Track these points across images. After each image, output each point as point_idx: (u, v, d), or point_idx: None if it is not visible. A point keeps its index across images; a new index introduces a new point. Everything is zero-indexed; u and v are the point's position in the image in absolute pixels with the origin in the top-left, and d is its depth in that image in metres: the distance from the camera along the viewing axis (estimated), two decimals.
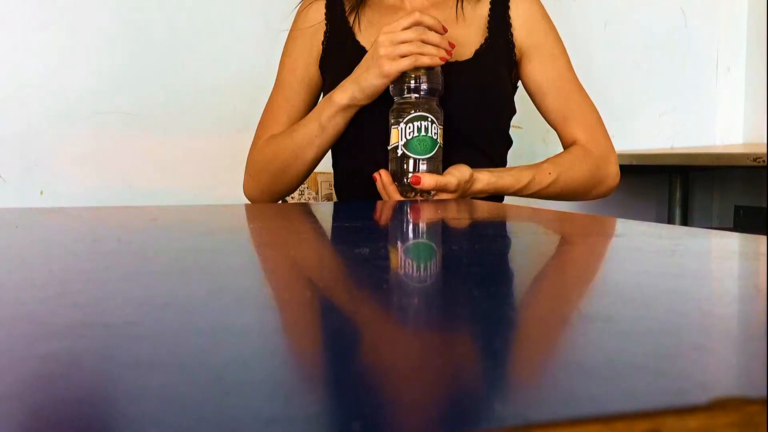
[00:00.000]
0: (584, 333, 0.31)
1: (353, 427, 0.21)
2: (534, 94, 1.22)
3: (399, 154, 1.05)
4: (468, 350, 0.30)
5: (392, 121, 1.07)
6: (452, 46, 1.06)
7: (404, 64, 1.03)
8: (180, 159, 1.78)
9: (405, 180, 1.05)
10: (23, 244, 0.61)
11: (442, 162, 1.07)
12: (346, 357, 0.29)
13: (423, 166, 1.05)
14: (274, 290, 0.43)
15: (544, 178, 1.13)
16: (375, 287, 0.43)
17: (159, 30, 1.76)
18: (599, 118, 1.22)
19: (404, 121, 1.04)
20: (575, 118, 1.20)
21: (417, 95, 1.05)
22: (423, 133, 1.04)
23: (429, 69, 1.05)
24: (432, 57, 1.03)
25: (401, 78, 1.05)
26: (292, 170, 1.17)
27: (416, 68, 1.04)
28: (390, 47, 1.03)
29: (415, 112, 1.04)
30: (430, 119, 1.04)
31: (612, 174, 1.20)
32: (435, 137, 1.05)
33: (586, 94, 1.22)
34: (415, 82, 1.05)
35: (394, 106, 1.07)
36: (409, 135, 1.04)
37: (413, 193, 1.05)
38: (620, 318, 0.34)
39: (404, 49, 1.03)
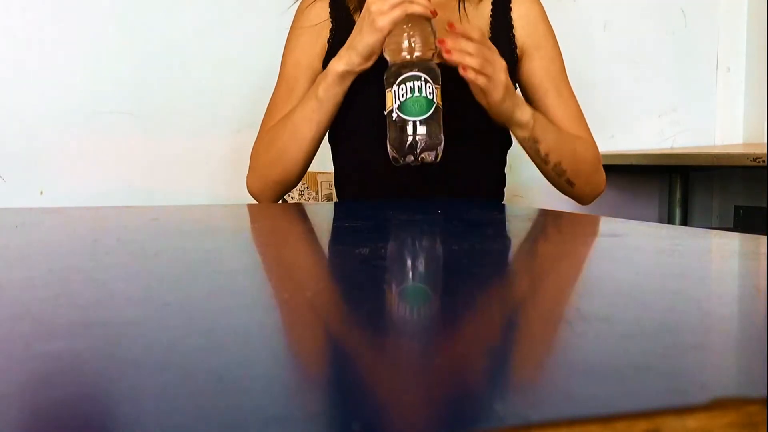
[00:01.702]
0: (584, 333, 0.31)
1: (353, 427, 0.21)
2: (531, 95, 1.21)
3: (394, 118, 1.00)
4: (468, 350, 0.30)
5: (386, 85, 1.02)
6: (450, 25, 1.04)
7: (395, 14, 1.01)
8: (180, 159, 1.78)
9: (404, 147, 1.00)
10: (23, 244, 0.61)
11: (442, 127, 1.01)
12: (345, 357, 0.29)
13: (421, 129, 0.99)
14: (274, 290, 0.43)
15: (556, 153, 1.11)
16: (375, 288, 0.43)
17: (159, 30, 1.76)
18: (588, 126, 1.22)
19: (396, 82, 1.00)
20: (572, 126, 1.19)
21: (409, 56, 1.01)
22: (417, 93, 0.99)
23: (421, 28, 1.01)
24: (423, 6, 1.01)
25: (392, 40, 1.02)
26: (291, 152, 1.15)
27: (408, 29, 1.01)
28: (380, 3, 1.02)
29: (408, 72, 1.00)
30: (423, 78, 0.99)
31: (602, 181, 1.21)
32: (431, 97, 0.99)
33: (577, 101, 1.23)
34: (408, 44, 1.01)
35: (388, 70, 1.02)
36: (402, 97, 0.99)
37: (413, 159, 1.00)
38: (620, 318, 0.34)
39: (394, 1, 1.01)
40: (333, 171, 1.27)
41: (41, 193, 1.68)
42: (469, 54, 0.99)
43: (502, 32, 1.19)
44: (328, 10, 1.21)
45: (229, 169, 1.77)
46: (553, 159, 1.11)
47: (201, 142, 1.79)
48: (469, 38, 0.99)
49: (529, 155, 1.12)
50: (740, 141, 2.30)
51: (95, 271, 0.48)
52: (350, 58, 1.06)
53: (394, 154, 1.01)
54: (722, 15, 2.28)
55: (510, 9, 1.20)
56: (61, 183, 1.69)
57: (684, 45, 2.25)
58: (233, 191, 1.77)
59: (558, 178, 1.14)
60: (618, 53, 2.16)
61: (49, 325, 0.33)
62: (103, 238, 0.67)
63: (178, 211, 0.95)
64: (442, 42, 0.99)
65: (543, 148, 1.09)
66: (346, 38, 1.15)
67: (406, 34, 1.02)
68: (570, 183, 1.14)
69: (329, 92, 1.09)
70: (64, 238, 0.68)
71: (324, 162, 1.21)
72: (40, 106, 1.67)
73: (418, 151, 0.99)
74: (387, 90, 1.02)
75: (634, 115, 2.19)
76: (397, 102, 1.00)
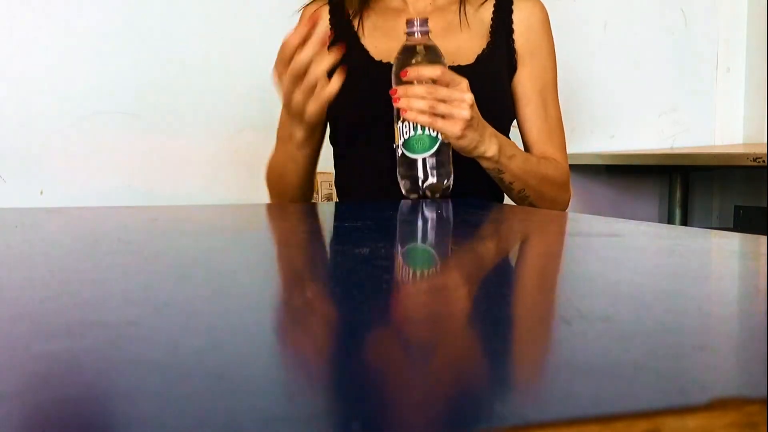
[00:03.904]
0: (584, 333, 0.31)
1: (353, 427, 0.21)
2: (517, 100, 1.20)
3: (399, 154, 0.99)
4: (467, 350, 0.30)
5: (394, 119, 1.00)
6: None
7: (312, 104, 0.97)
8: (180, 159, 1.78)
9: (410, 184, 0.99)
10: (23, 244, 0.61)
11: (450, 160, 0.99)
12: (345, 357, 0.29)
13: (426, 166, 0.97)
14: (274, 290, 0.43)
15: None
16: (374, 288, 0.43)
17: (159, 30, 1.76)
18: (564, 143, 1.22)
19: (401, 119, 0.97)
20: (551, 138, 1.19)
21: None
22: (419, 131, 0.97)
23: (433, 55, 0.98)
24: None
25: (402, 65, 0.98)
26: (290, 185, 1.15)
27: (416, 55, 0.97)
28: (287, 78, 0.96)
29: None
30: None
31: (566, 199, 1.20)
32: (434, 133, 0.97)
33: (560, 114, 1.22)
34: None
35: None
36: (406, 134, 0.98)
37: (419, 194, 0.99)
38: (620, 318, 0.34)
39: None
40: (333, 171, 1.27)
41: (41, 193, 1.68)
42: (419, 97, 0.95)
43: (502, 37, 1.18)
44: (328, 17, 1.20)
45: (229, 169, 1.77)
46: (517, 187, 1.09)
47: (201, 142, 1.79)
48: (421, 80, 0.96)
49: (493, 179, 1.09)
50: (740, 141, 2.30)
51: (95, 271, 0.48)
52: (296, 134, 1.04)
53: (402, 188, 1.01)
54: (722, 15, 2.28)
55: (512, 12, 1.19)
56: (61, 183, 1.69)
57: (684, 45, 2.25)
58: (233, 191, 1.77)
59: (521, 201, 1.13)
60: (618, 53, 2.16)
61: (49, 325, 0.33)
62: (103, 238, 0.67)
63: (178, 211, 0.95)
64: (393, 92, 0.97)
65: (507, 178, 1.07)
66: (346, 44, 1.10)
67: (412, 61, 0.97)
68: (532, 205, 1.13)
69: (299, 142, 1.07)
70: (64, 238, 0.68)
71: (324, 162, 1.21)
72: (41, 106, 1.67)
73: (423, 188, 0.98)
74: (395, 124, 1.00)
75: (634, 115, 2.19)
76: (402, 139, 0.98)
